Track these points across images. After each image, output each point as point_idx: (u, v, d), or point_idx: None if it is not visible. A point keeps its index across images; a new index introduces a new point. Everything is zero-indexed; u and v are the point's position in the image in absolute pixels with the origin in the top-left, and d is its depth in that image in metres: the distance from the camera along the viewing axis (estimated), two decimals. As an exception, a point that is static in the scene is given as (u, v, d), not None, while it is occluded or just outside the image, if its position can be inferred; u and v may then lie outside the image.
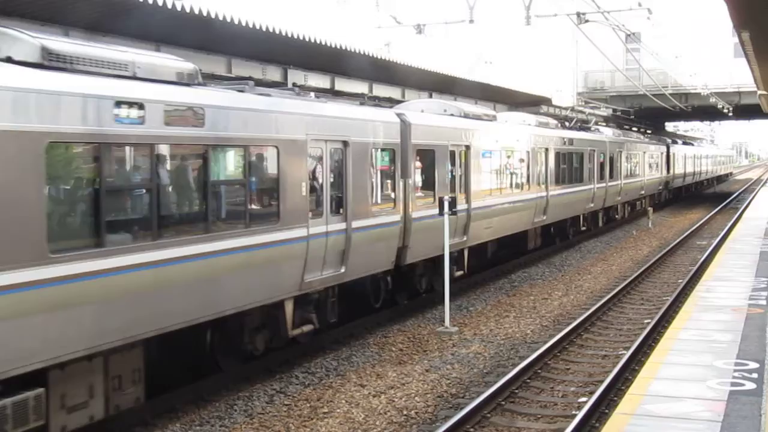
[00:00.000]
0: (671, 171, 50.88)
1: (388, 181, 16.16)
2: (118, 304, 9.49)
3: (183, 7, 14.08)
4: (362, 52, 20.71)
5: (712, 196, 62.21)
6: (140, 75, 10.22)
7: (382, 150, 15.81)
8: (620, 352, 14.33)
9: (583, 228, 31.47)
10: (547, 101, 38.35)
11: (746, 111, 50.12)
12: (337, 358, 14.01)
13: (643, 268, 23.54)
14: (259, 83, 14.02)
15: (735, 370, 9.55)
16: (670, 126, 70.01)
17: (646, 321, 16.82)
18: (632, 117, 48.29)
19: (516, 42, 51.13)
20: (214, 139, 11.09)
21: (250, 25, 15.95)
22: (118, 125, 9.54)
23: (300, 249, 12.85)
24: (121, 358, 9.94)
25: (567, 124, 32.92)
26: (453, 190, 18.44)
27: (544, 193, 25.36)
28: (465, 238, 19.13)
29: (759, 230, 25.48)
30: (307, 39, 18.06)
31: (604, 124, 42.71)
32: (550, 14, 24.27)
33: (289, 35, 17.37)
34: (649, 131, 54.54)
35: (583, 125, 35.68)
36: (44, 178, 8.64)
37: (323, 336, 14.53)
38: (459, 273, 19.25)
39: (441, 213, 16.25)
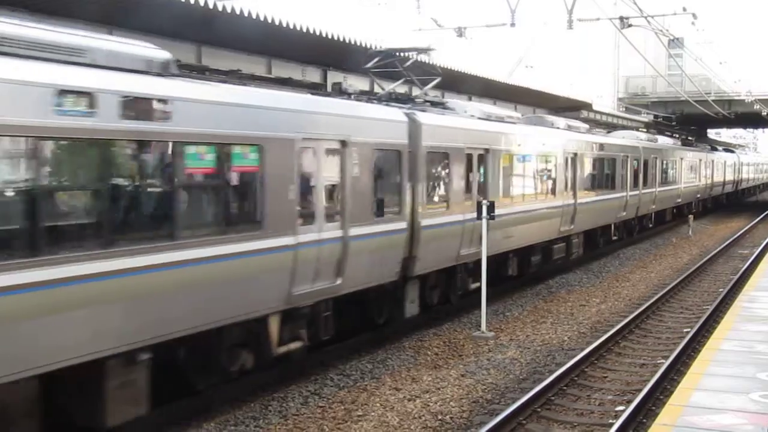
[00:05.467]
0: (740, 175, 62.42)
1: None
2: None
3: (224, 7, 14.12)
4: (405, 56, 20.60)
5: (753, 205, 61.33)
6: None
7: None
8: (659, 361, 14.10)
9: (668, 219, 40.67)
10: (587, 106, 38.03)
11: (790, 118, 49.38)
12: (372, 360, 13.96)
13: (682, 276, 23.23)
14: (299, 84, 14.08)
15: (779, 383, 9.36)
16: (711, 132, 69.27)
17: (685, 330, 16.56)
18: (674, 123, 47.81)
19: (557, 46, 50.72)
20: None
21: (291, 26, 15.96)
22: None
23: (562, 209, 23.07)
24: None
25: (670, 140, 40.71)
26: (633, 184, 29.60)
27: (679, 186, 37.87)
28: (625, 213, 29.47)
29: (803, 240, 25.05)
30: (346, 41, 18.05)
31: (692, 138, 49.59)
32: (593, 18, 24.02)
33: (329, 36, 17.37)
34: (690, 138, 54.26)
35: (688, 143, 43.81)
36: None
37: (358, 339, 14.49)
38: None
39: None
